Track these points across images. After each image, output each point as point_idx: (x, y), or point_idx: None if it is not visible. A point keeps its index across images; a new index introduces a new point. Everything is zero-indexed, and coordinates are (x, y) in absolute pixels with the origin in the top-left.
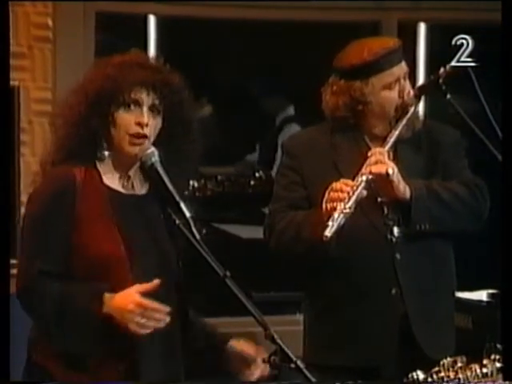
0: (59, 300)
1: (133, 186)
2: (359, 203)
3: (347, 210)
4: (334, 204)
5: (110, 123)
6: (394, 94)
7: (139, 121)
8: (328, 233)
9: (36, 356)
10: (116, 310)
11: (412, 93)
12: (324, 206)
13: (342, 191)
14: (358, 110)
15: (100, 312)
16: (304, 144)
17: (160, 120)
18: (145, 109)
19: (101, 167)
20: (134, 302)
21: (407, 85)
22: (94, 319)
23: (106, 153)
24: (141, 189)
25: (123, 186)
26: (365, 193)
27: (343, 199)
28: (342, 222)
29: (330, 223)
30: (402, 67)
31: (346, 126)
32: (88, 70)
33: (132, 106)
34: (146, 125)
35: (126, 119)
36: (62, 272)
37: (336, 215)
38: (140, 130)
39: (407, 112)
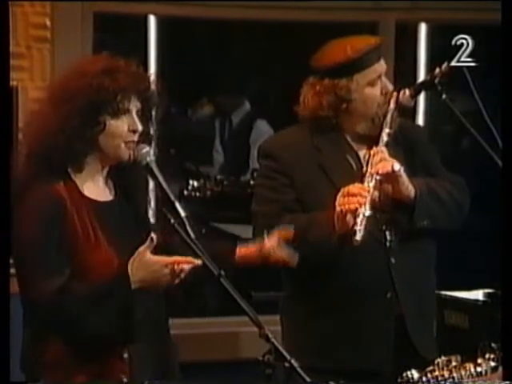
0: (84, 300)
1: (105, 194)
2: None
3: (367, 213)
4: (352, 206)
5: (101, 132)
6: (376, 91)
7: (134, 129)
8: (358, 237)
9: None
10: (143, 274)
11: (403, 90)
12: (338, 209)
13: (361, 195)
14: (341, 109)
15: (129, 288)
16: (286, 146)
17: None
18: (134, 115)
19: (76, 178)
20: (163, 267)
21: (388, 82)
22: (126, 299)
23: (89, 161)
24: (109, 195)
25: (99, 195)
26: (376, 193)
27: (363, 203)
28: (366, 225)
29: (357, 227)
30: (382, 65)
31: (326, 127)
32: (65, 78)
33: (122, 114)
34: (138, 131)
35: (119, 127)
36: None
37: (359, 219)
38: (134, 137)
39: (391, 109)
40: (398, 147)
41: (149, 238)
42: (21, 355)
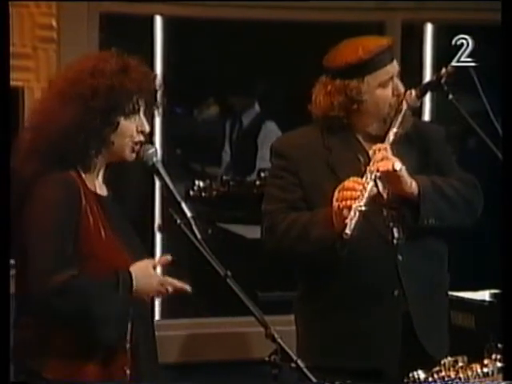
0: (91, 296)
1: (103, 189)
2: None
3: (362, 208)
4: (348, 202)
5: (113, 131)
6: (388, 92)
7: (142, 129)
8: (348, 230)
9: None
10: (142, 291)
11: (409, 91)
12: (335, 204)
13: (354, 190)
14: (352, 110)
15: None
16: (297, 146)
17: None
18: (142, 116)
19: (82, 174)
20: (159, 284)
21: (399, 83)
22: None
23: (97, 160)
24: (106, 191)
25: (100, 190)
26: (375, 190)
27: (357, 197)
28: (359, 220)
29: (349, 221)
30: (394, 66)
31: (338, 126)
32: (78, 75)
33: (133, 114)
34: (146, 132)
35: (129, 127)
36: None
37: (352, 213)
38: (142, 138)
39: (401, 110)
40: (411, 146)
41: (160, 258)
42: (13, 349)
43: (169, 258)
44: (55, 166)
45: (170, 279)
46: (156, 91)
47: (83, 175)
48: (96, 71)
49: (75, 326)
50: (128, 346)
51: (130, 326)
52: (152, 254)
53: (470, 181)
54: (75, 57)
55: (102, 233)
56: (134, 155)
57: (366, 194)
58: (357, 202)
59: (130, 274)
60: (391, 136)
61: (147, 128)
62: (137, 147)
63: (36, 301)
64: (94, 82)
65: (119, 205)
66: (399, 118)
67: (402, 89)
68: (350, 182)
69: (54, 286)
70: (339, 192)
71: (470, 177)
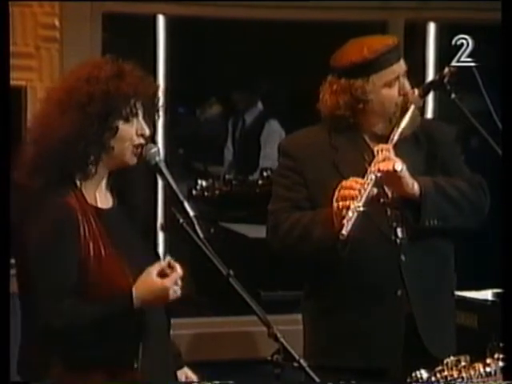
0: (92, 319)
1: (106, 200)
2: (368, 203)
3: (360, 208)
4: (346, 202)
5: (113, 136)
6: (394, 92)
7: (142, 132)
8: (345, 231)
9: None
10: (148, 296)
11: (411, 90)
12: (335, 204)
13: (352, 188)
14: (358, 109)
15: (133, 308)
16: (303, 145)
17: None
18: (141, 119)
19: (82, 186)
20: (165, 291)
21: (406, 83)
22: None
23: (98, 167)
24: (110, 201)
25: (102, 202)
26: (375, 190)
27: (355, 197)
28: (356, 220)
29: (346, 222)
30: (401, 65)
31: (344, 126)
32: (74, 84)
33: (131, 118)
34: (146, 135)
35: (129, 131)
36: (78, 296)
37: (350, 213)
38: (143, 141)
39: (407, 110)
40: (418, 146)
41: (158, 263)
42: (20, 360)
43: (169, 260)
44: (56, 185)
45: (172, 277)
46: (154, 94)
47: (83, 189)
48: (91, 78)
49: (78, 357)
50: (136, 365)
51: (139, 347)
52: (155, 254)
53: (477, 182)
54: (78, 57)
55: (103, 252)
56: (135, 159)
57: (365, 194)
58: (355, 201)
59: (130, 296)
60: (396, 136)
61: (147, 131)
62: (138, 150)
63: (37, 329)
64: (90, 88)
65: (126, 212)
66: (405, 118)
67: (408, 88)
68: (348, 181)
69: (54, 319)
70: (338, 191)
71: (477, 178)
